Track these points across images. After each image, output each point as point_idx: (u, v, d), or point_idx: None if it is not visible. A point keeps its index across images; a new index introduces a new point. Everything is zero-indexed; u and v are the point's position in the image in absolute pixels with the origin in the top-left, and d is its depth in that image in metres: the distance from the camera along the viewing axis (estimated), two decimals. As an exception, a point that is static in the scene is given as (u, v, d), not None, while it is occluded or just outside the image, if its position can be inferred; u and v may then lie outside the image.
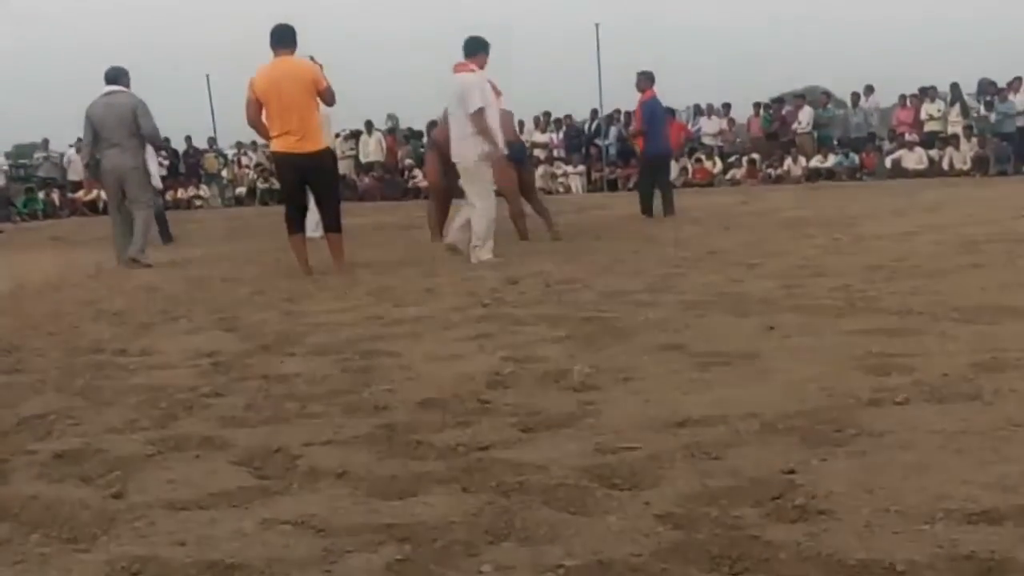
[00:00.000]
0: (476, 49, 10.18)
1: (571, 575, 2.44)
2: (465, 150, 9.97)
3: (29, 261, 13.55)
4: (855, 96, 25.87)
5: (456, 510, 2.88)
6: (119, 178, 11.52)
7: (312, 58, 9.73)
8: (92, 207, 28.87)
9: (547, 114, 29.11)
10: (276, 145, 9.42)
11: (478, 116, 9.78)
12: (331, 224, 9.61)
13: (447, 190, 12.90)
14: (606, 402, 4.06)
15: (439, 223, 12.74)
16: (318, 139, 9.45)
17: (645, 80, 15.28)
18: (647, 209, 14.86)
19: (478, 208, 9.90)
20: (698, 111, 28.13)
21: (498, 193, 10.72)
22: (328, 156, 9.63)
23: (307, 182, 9.55)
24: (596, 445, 3.46)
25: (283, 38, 9.39)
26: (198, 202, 30.00)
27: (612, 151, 26.71)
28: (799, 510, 2.74)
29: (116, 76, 11.70)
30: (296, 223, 9.57)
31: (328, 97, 9.53)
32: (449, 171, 12.85)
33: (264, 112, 9.30)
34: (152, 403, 4.47)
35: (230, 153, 33.03)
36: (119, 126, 11.36)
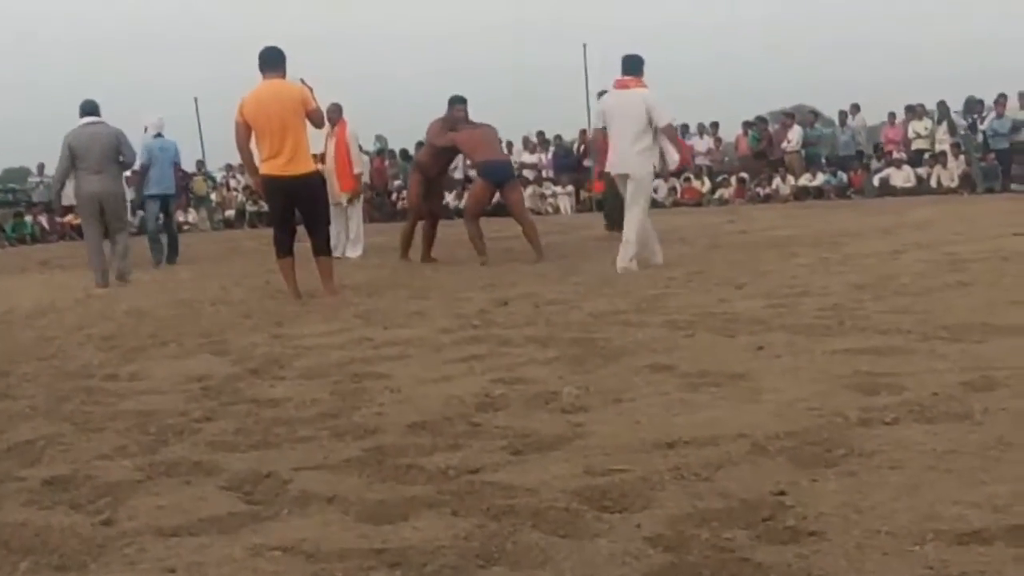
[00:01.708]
0: (637, 67, 10.51)
1: (562, 599, 2.43)
2: (644, 162, 10.33)
3: (18, 285, 13.53)
4: (843, 115, 25.97)
5: (446, 534, 2.88)
6: (101, 202, 12.19)
7: (303, 80, 9.75)
8: (81, 231, 28.77)
9: (540, 133, 29.13)
10: (265, 168, 9.34)
11: (670, 129, 10.45)
12: (320, 247, 9.58)
13: (429, 212, 12.92)
14: (596, 424, 4.06)
15: (407, 244, 12.96)
16: (307, 162, 9.42)
17: None
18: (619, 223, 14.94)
19: (636, 212, 10.30)
20: (685, 131, 28.17)
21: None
22: (317, 179, 9.61)
23: (296, 205, 9.54)
24: (586, 467, 3.46)
25: (272, 61, 9.36)
26: (185, 227, 29.89)
27: (600, 171, 26.69)
28: (790, 531, 2.74)
29: (93, 108, 12.44)
30: (285, 246, 9.53)
31: (317, 119, 9.54)
32: (432, 194, 12.91)
33: (253, 135, 9.29)
34: (142, 428, 4.46)
35: (219, 176, 33.01)
36: (103, 154, 12.15)
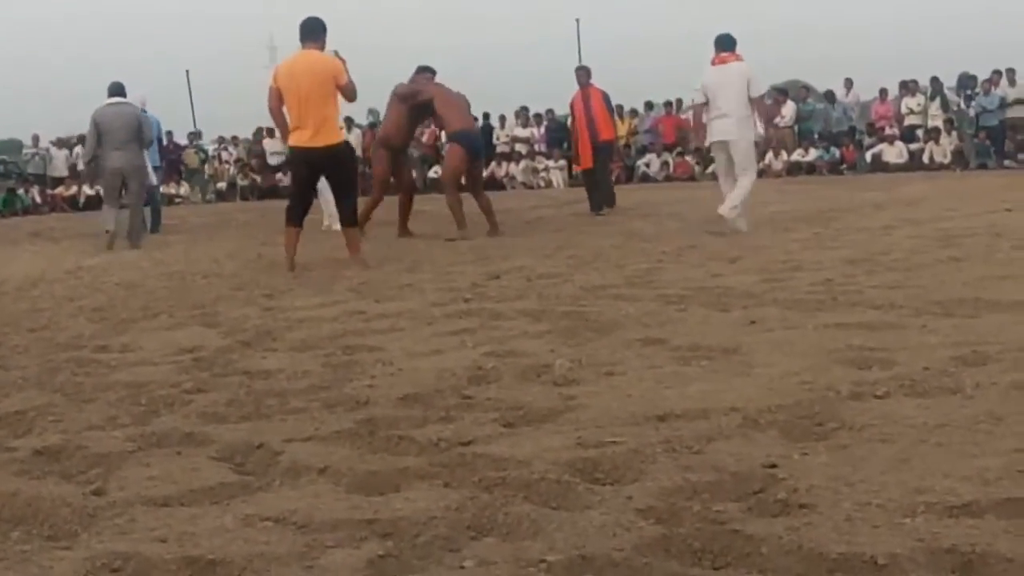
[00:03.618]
0: (732, 44, 11.13)
1: (553, 570, 2.43)
2: (745, 129, 11.05)
3: (8, 257, 13.49)
4: (829, 92, 25.89)
5: (438, 505, 2.88)
6: (124, 175, 13.41)
7: (336, 53, 9.75)
8: (72, 203, 28.71)
9: (525, 108, 29.05)
10: (291, 139, 9.42)
11: (761, 101, 11.51)
12: (347, 218, 9.61)
13: (402, 186, 12.81)
14: (588, 396, 4.06)
15: (366, 219, 12.73)
16: (333, 134, 9.44)
17: (589, 74, 15.44)
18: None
19: (747, 180, 10.97)
20: (679, 105, 28.07)
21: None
22: (344, 150, 9.60)
23: (323, 176, 9.59)
24: (578, 440, 3.47)
25: (311, 31, 9.41)
26: (177, 200, 29.74)
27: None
28: (780, 504, 2.74)
29: (119, 89, 13.76)
30: (296, 215, 9.53)
31: (348, 93, 9.54)
32: (400, 167, 12.79)
33: (284, 104, 9.36)
34: (133, 399, 4.46)
35: (211, 148, 32.90)
36: (125, 131, 13.34)
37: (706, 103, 11.09)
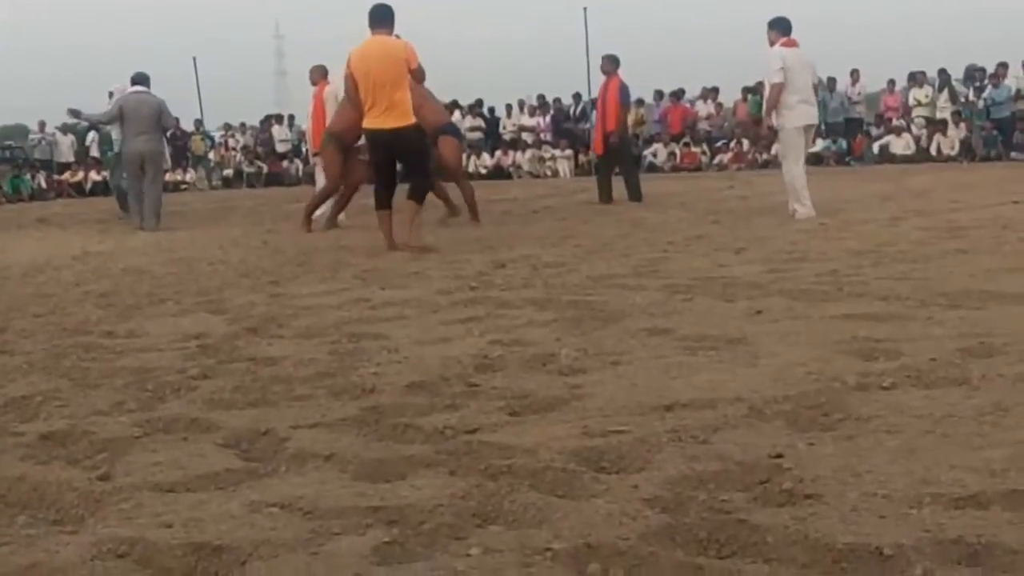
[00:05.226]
0: (791, 27, 11.45)
1: (559, 558, 2.43)
2: (816, 113, 11.80)
3: (15, 242, 13.51)
4: (831, 80, 25.83)
5: (443, 493, 2.88)
6: (144, 159, 14.23)
7: (398, 38, 9.81)
8: (79, 189, 28.72)
9: (541, 96, 29.04)
10: (365, 122, 9.63)
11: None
12: (410, 192, 9.70)
13: (351, 179, 12.70)
14: (594, 385, 4.06)
15: (310, 213, 12.86)
16: (404, 116, 9.50)
17: (615, 63, 15.35)
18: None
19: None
20: (683, 95, 28.06)
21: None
22: (410, 131, 9.63)
23: (395, 157, 9.73)
24: (584, 428, 3.47)
25: (380, 17, 9.56)
26: (183, 186, 29.73)
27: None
28: (786, 494, 2.74)
29: (143, 79, 14.60)
30: (382, 199, 9.72)
31: (419, 75, 9.74)
32: (351, 161, 12.61)
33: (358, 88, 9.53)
34: (139, 385, 4.46)
35: (217, 135, 32.91)
36: (148, 119, 14.22)
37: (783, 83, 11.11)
